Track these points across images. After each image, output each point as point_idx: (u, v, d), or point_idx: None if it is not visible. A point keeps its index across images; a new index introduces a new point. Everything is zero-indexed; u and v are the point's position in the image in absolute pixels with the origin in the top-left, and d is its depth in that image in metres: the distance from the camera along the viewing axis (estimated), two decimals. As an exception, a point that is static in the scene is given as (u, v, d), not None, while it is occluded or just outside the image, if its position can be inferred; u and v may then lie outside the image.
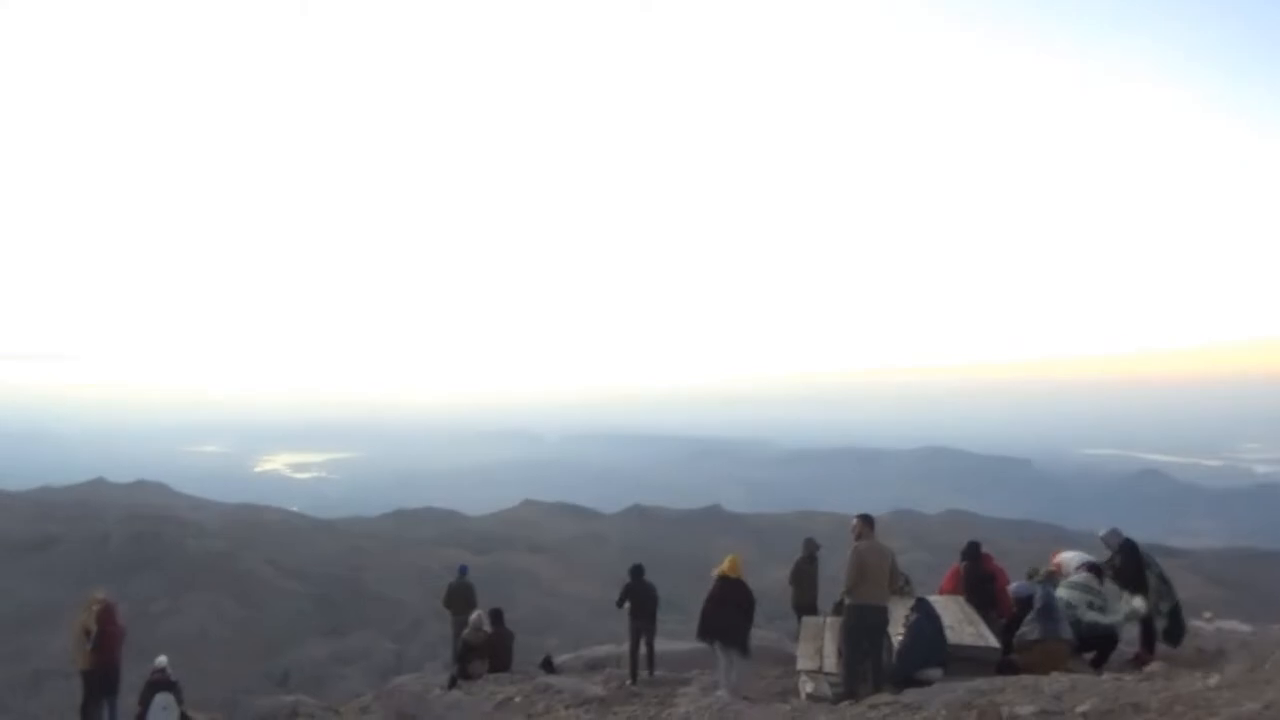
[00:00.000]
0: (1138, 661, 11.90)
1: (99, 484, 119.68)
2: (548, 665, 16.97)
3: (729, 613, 12.82)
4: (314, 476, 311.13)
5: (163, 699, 13.96)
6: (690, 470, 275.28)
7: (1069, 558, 13.37)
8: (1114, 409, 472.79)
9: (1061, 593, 12.25)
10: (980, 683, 9.20)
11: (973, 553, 13.74)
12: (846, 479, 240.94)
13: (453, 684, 15.67)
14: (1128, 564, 12.62)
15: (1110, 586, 12.66)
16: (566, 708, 13.00)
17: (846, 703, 10.12)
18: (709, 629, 12.90)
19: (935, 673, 10.63)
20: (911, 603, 11.63)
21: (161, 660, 14.58)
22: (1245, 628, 14.65)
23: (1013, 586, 13.16)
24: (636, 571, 14.92)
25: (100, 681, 13.91)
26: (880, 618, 11.10)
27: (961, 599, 13.15)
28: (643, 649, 14.84)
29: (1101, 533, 13.24)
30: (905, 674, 10.71)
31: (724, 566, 13.19)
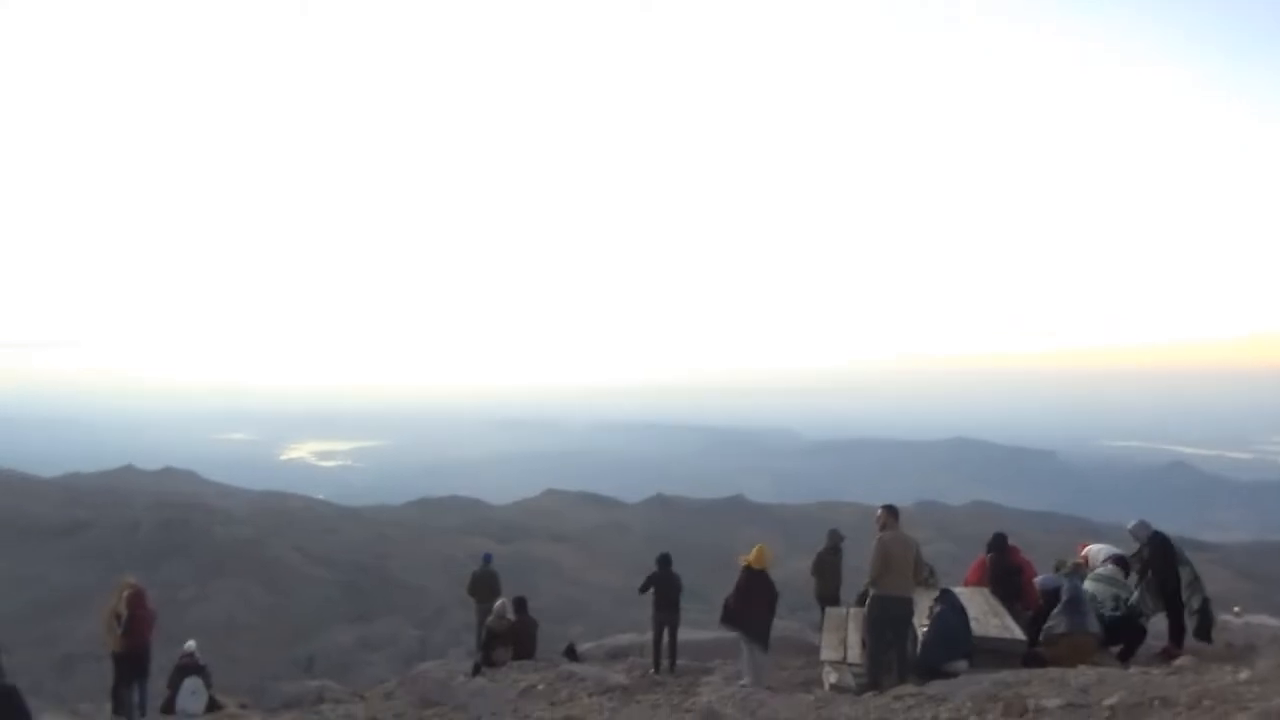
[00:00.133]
0: (1166, 655, 11.69)
1: (128, 471, 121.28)
2: (571, 653, 17.02)
3: (752, 606, 12.73)
4: (340, 465, 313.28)
5: (192, 683, 14.17)
6: (713, 460, 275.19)
7: (1096, 550, 13.22)
8: (1140, 400, 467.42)
9: (1088, 585, 12.13)
10: (1006, 675, 9.10)
11: (999, 545, 13.55)
12: (870, 470, 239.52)
13: (477, 671, 15.77)
14: (1155, 557, 12.46)
15: (1135, 579, 12.53)
16: (589, 696, 12.96)
17: (870, 694, 10.05)
18: (730, 619, 12.86)
19: (960, 665, 10.51)
20: (936, 594, 11.51)
21: (190, 645, 14.81)
22: (1275, 622, 14.45)
23: (1039, 579, 12.96)
24: (664, 561, 14.90)
25: (131, 665, 14.10)
26: (905, 609, 11.05)
27: (986, 591, 12.99)
28: (666, 638, 14.82)
29: (1130, 525, 13.07)
30: (930, 666, 10.61)
31: (750, 556, 13.05)
